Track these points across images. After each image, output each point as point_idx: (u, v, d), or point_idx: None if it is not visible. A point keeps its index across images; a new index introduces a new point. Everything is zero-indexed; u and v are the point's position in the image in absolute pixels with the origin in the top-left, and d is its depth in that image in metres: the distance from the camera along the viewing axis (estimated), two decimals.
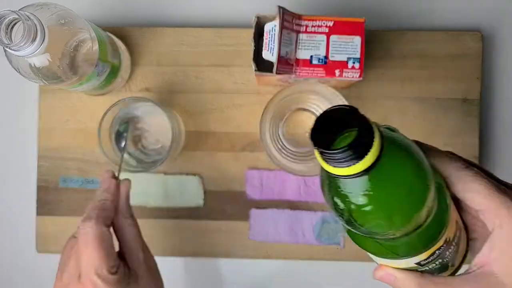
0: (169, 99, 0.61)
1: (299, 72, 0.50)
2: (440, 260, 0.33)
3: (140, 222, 0.61)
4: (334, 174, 0.26)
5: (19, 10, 0.43)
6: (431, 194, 0.28)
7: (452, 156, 0.32)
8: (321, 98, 0.56)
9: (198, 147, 0.61)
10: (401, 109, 0.60)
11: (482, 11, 0.62)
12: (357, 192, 0.26)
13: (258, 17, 0.49)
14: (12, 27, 0.42)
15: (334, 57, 0.50)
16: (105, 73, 0.54)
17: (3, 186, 0.64)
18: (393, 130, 0.30)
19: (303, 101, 0.59)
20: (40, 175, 0.61)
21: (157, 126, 0.58)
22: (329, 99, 0.55)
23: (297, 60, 0.50)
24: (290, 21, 0.48)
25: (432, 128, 0.60)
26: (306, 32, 0.50)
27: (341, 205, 0.28)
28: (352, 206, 0.27)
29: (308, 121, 0.60)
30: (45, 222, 0.61)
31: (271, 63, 0.48)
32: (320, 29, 0.50)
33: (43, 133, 0.61)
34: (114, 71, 0.56)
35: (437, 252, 0.32)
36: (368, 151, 0.25)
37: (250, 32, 0.50)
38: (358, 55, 0.50)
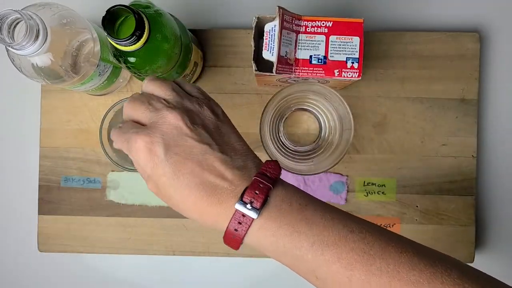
0: None
1: (299, 72, 0.50)
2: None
3: (140, 221, 0.62)
4: (123, 50, 0.44)
5: (21, 9, 0.43)
6: (178, 50, 0.48)
7: None
8: (320, 98, 0.57)
9: None
10: (400, 109, 0.61)
11: (480, 12, 0.63)
12: (135, 57, 0.45)
13: (258, 18, 0.49)
14: (15, 26, 0.43)
15: (334, 57, 0.50)
16: (106, 73, 0.54)
17: (5, 186, 0.64)
18: (149, 6, 0.45)
19: (302, 101, 0.59)
20: (42, 175, 0.62)
21: None
22: (328, 99, 0.55)
23: (297, 60, 0.50)
24: (289, 21, 0.49)
25: (431, 128, 0.61)
26: (305, 32, 0.50)
27: (127, 64, 0.46)
28: (131, 64, 0.45)
29: (308, 121, 0.61)
30: (47, 221, 0.62)
31: (271, 63, 0.48)
32: (319, 30, 0.50)
33: (44, 133, 0.62)
34: (115, 71, 0.56)
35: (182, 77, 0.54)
36: (141, 37, 0.42)
37: (250, 33, 0.50)
38: (357, 55, 0.50)
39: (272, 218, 0.36)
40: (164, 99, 0.38)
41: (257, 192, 0.35)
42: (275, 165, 0.38)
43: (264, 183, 0.36)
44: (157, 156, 0.36)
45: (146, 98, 0.39)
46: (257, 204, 0.35)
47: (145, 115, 0.38)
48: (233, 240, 0.36)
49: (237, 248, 0.37)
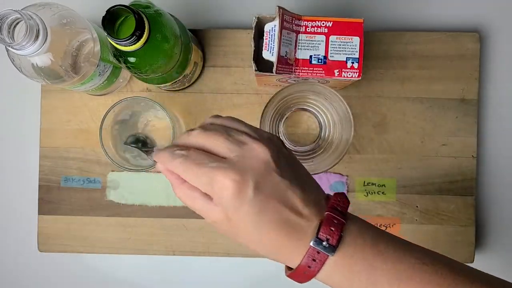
0: (170, 99, 0.61)
1: (299, 72, 0.50)
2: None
3: (141, 221, 0.62)
4: (123, 50, 0.44)
5: (21, 9, 0.43)
6: (178, 50, 0.49)
7: None
8: (320, 98, 0.57)
9: None
10: (400, 109, 0.61)
11: (480, 12, 0.63)
12: (135, 57, 0.45)
13: (258, 18, 0.49)
14: (15, 26, 0.43)
15: (334, 57, 0.50)
16: (106, 73, 0.54)
17: (5, 186, 0.64)
18: (149, 6, 0.46)
19: (303, 101, 0.59)
20: (42, 175, 0.62)
21: (158, 126, 0.59)
22: (328, 99, 0.55)
23: (297, 60, 0.50)
24: (289, 21, 0.49)
25: (431, 128, 0.61)
26: (305, 32, 0.50)
27: (127, 64, 0.46)
28: (131, 64, 0.46)
29: (308, 121, 0.61)
30: (47, 221, 0.62)
31: (271, 63, 0.48)
32: (319, 30, 0.50)
33: (44, 133, 0.62)
34: (115, 71, 0.56)
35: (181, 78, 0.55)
36: (141, 37, 0.43)
37: (250, 33, 0.50)
38: (357, 55, 0.50)
39: (347, 254, 0.35)
40: (244, 132, 0.37)
41: (332, 228, 0.35)
42: (344, 198, 0.37)
43: (338, 219, 0.35)
44: (246, 196, 0.34)
45: (223, 129, 0.36)
46: (333, 241, 0.34)
47: (225, 145, 0.35)
48: (304, 275, 0.36)
49: (302, 283, 0.37)
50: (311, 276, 0.35)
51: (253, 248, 0.36)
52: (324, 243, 0.34)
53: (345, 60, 0.50)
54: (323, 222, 0.35)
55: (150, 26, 0.44)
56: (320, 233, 0.34)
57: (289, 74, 0.50)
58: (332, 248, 0.34)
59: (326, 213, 0.35)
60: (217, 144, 0.36)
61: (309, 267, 0.35)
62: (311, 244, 0.34)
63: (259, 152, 0.35)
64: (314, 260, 0.35)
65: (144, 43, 0.44)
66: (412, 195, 0.61)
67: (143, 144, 0.58)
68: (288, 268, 0.37)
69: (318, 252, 0.34)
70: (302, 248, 0.35)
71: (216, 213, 0.35)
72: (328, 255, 0.34)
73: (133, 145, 0.57)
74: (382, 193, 0.61)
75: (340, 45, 0.50)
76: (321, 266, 0.35)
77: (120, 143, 0.57)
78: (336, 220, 0.35)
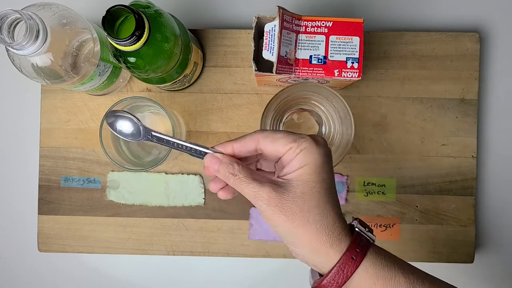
0: (170, 99, 0.61)
1: (299, 72, 0.50)
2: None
3: (141, 221, 0.62)
4: (123, 50, 0.44)
5: (21, 9, 0.43)
6: (179, 50, 0.49)
7: (256, 131, 0.41)
8: (321, 99, 0.57)
9: None
10: (400, 109, 0.61)
11: (480, 12, 0.63)
12: (135, 57, 0.45)
13: (258, 18, 0.49)
14: (15, 26, 0.43)
15: (333, 57, 0.50)
16: (106, 73, 0.54)
17: (5, 186, 0.64)
18: (149, 6, 0.46)
19: (303, 101, 0.59)
20: (42, 175, 0.62)
21: (158, 126, 0.59)
22: (329, 100, 0.55)
23: (297, 60, 0.50)
24: (289, 21, 0.49)
25: (431, 128, 0.61)
26: (305, 32, 0.50)
27: (127, 64, 0.46)
28: (131, 64, 0.46)
29: (308, 122, 0.61)
30: (47, 221, 0.62)
31: (271, 63, 0.48)
32: (319, 30, 0.50)
33: (44, 133, 0.62)
34: (115, 71, 0.56)
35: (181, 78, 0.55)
36: (141, 37, 0.43)
37: (250, 33, 0.50)
38: (357, 55, 0.50)
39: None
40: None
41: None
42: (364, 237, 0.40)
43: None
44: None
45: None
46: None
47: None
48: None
49: None
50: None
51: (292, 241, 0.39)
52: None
53: (345, 60, 0.50)
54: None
55: (150, 26, 0.44)
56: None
57: (289, 74, 0.50)
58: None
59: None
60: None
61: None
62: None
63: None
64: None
65: (144, 43, 0.44)
66: (412, 195, 0.61)
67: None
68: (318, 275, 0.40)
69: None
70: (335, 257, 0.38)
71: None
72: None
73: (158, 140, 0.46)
74: (382, 193, 0.61)
75: (340, 45, 0.50)
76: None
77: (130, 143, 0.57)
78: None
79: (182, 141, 0.42)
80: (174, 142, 0.42)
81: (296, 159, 0.38)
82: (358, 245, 0.37)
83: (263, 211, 0.38)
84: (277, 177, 0.40)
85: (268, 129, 0.44)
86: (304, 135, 0.39)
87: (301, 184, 0.38)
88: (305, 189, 0.38)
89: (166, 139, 0.42)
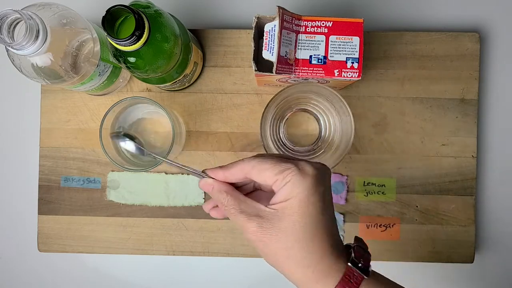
0: (170, 99, 0.61)
1: (299, 72, 0.50)
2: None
3: (141, 221, 0.62)
4: (123, 50, 0.44)
5: (21, 9, 0.43)
6: (179, 49, 0.49)
7: (245, 158, 0.41)
8: (321, 99, 0.57)
9: (199, 146, 0.61)
10: (400, 109, 0.61)
11: (480, 12, 0.63)
12: (135, 57, 0.45)
13: (258, 18, 0.49)
14: (15, 26, 0.43)
15: (333, 57, 0.50)
16: (106, 73, 0.54)
17: (5, 186, 0.64)
18: (149, 6, 0.46)
19: (303, 101, 0.59)
20: (42, 175, 0.62)
21: (158, 126, 0.59)
22: (329, 100, 0.55)
23: (297, 60, 0.50)
24: (289, 21, 0.49)
25: (431, 128, 0.61)
26: (305, 32, 0.50)
27: (127, 64, 0.46)
28: (131, 64, 0.46)
29: (308, 122, 0.61)
30: (47, 221, 0.62)
31: (271, 63, 0.48)
32: (319, 30, 0.50)
33: (44, 133, 0.62)
34: (115, 71, 0.56)
35: (181, 78, 0.55)
36: (141, 37, 0.43)
37: (250, 33, 0.50)
38: (357, 55, 0.50)
39: None
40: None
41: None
42: (365, 252, 0.40)
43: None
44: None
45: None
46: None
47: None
48: None
49: None
50: None
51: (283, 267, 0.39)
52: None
53: (345, 60, 0.50)
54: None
55: (150, 26, 0.44)
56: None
57: (289, 74, 0.50)
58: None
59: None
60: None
61: None
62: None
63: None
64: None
65: (144, 43, 0.44)
66: (412, 195, 0.61)
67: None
68: None
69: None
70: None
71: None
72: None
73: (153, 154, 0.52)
74: (382, 193, 0.61)
75: (340, 45, 0.50)
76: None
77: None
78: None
79: (178, 163, 0.44)
80: (170, 163, 0.45)
81: (281, 192, 0.38)
82: (348, 281, 0.37)
83: (251, 243, 0.39)
84: (270, 203, 0.39)
85: (259, 153, 0.42)
86: (292, 164, 0.38)
87: (285, 218, 0.37)
88: (288, 224, 0.37)
89: (163, 161, 0.46)
